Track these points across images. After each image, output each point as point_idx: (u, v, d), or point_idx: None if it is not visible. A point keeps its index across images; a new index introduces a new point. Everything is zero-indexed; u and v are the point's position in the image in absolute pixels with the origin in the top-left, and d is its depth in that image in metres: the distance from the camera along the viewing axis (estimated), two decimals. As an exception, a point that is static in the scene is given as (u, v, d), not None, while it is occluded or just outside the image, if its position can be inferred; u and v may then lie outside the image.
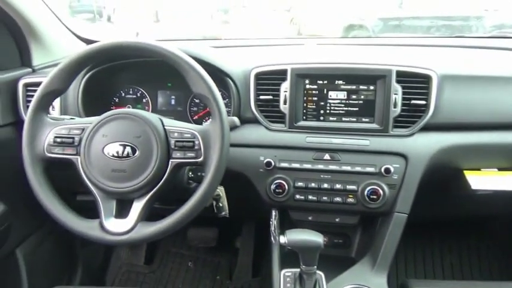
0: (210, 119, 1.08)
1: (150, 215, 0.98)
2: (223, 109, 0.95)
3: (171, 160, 0.95)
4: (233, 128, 1.05)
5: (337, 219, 1.24)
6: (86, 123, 0.98)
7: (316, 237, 1.00)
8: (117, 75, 1.37)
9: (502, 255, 1.81)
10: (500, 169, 1.23)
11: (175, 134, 0.96)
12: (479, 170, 1.23)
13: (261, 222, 1.85)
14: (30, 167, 0.96)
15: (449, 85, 1.17)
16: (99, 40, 1.66)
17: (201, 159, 0.95)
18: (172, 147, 0.95)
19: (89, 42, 1.64)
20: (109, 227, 0.94)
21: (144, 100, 1.40)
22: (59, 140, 0.97)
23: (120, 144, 0.94)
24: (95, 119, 0.97)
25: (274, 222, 1.24)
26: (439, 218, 1.61)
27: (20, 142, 1.29)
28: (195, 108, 1.38)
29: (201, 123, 1.37)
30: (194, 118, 1.39)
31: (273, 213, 1.25)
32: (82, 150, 0.95)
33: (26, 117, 0.98)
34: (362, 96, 1.19)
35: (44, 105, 0.99)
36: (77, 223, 0.94)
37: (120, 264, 1.92)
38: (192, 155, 0.95)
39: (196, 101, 1.38)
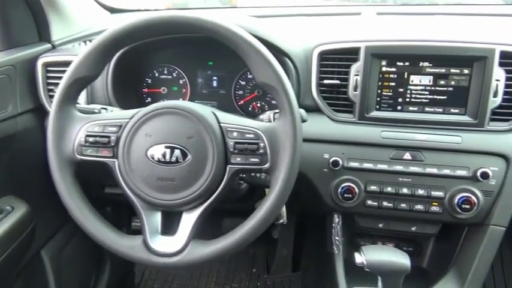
0: (270, 113, 0.89)
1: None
2: (296, 104, 0.75)
3: (229, 166, 0.77)
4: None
5: (413, 228, 1.05)
6: (123, 119, 0.79)
7: (403, 259, 0.83)
8: (151, 52, 1.17)
9: None
10: None
11: (235, 134, 0.77)
12: None
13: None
14: (58, 172, 0.78)
15: None
16: (125, 9, 1.46)
17: (266, 165, 0.76)
18: (231, 150, 0.77)
19: (113, 11, 1.43)
20: (155, 247, 0.77)
21: (181, 81, 1.20)
22: (91, 139, 0.78)
23: (168, 147, 0.76)
24: (134, 114, 0.78)
25: (337, 229, 1.06)
26: None
27: (41, 133, 1.13)
28: (240, 92, 1.18)
29: (247, 110, 1.20)
30: (239, 103, 1.19)
31: (336, 218, 1.07)
32: (121, 153, 0.77)
33: (51, 110, 0.79)
34: (452, 82, 0.97)
35: (72, 95, 0.80)
36: (116, 241, 0.78)
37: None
38: (256, 160, 0.76)
39: (242, 83, 1.17)
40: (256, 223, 0.76)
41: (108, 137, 0.78)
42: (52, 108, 0.79)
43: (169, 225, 0.81)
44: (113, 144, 0.78)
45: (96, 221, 0.78)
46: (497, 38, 0.95)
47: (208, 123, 0.76)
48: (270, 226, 1.82)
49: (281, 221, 1.01)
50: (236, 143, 0.76)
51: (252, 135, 0.76)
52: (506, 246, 1.70)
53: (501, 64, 0.93)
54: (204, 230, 0.84)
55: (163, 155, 0.76)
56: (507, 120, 0.96)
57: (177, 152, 0.75)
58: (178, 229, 0.78)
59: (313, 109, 1.04)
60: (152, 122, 0.77)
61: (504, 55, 0.92)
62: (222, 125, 0.78)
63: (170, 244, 0.77)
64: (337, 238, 1.06)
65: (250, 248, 1.85)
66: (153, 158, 0.76)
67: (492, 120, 0.96)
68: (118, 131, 0.78)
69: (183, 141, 0.75)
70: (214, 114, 0.79)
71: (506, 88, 0.94)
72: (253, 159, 0.76)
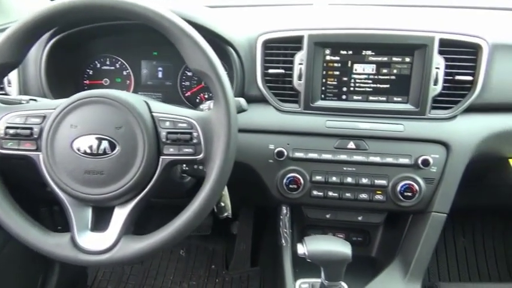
0: (210, 102, 0.87)
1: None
2: (230, 91, 0.73)
3: (161, 157, 0.74)
4: (239, 112, 0.83)
5: (359, 218, 1.05)
6: (47, 109, 0.74)
7: (343, 248, 0.82)
8: (91, 41, 1.11)
9: None
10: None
11: (167, 123, 0.74)
12: (525, 158, 1.05)
13: (260, 205, 1.67)
14: None
15: (502, 56, 0.96)
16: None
17: (201, 156, 0.73)
18: (164, 140, 0.73)
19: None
20: (83, 244, 0.73)
21: (124, 73, 1.15)
22: (12, 131, 0.73)
23: (95, 138, 0.72)
24: (59, 104, 0.74)
25: (285, 220, 1.05)
26: (462, 207, 1.45)
27: None
28: (187, 83, 1.14)
29: (194, 102, 1.16)
30: (186, 95, 1.15)
31: (284, 210, 1.06)
32: (44, 145, 0.72)
33: None
34: (395, 71, 0.97)
35: None
36: (41, 240, 0.73)
37: (103, 255, 1.72)
38: (190, 150, 0.73)
39: (189, 73, 1.14)
40: (191, 216, 0.72)
41: (31, 128, 0.73)
42: None
43: (102, 222, 0.77)
44: (36, 136, 0.73)
45: (18, 218, 0.73)
46: (437, 26, 0.95)
47: (138, 113, 0.72)
48: (228, 222, 1.81)
49: (225, 214, 0.99)
50: (168, 132, 0.73)
51: (185, 125, 0.74)
52: (460, 233, 1.75)
53: (440, 52, 0.93)
54: (156, 228, 0.80)
55: (90, 147, 0.71)
56: (448, 108, 0.97)
57: (104, 143, 0.71)
58: (110, 225, 0.75)
59: (259, 99, 1.02)
60: (78, 112, 0.73)
61: (443, 43, 0.93)
62: (154, 114, 0.74)
63: (100, 241, 0.73)
64: (285, 230, 1.05)
65: (210, 245, 1.82)
66: (79, 150, 0.72)
67: (433, 108, 0.97)
68: (41, 122, 0.74)
69: (111, 132, 0.72)
70: (146, 103, 0.75)
71: (445, 76, 0.94)
72: (187, 150, 0.73)
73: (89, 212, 0.76)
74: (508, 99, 0.97)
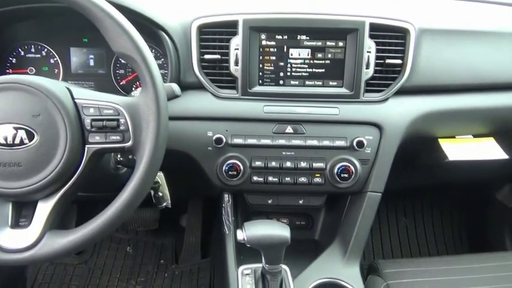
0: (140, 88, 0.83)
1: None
2: (157, 74, 0.70)
3: (87, 146, 0.70)
4: (172, 98, 0.80)
5: (300, 201, 1.07)
6: None
7: (282, 231, 0.82)
8: (11, 26, 1.03)
9: (466, 221, 1.78)
10: (475, 136, 1.12)
11: (91, 110, 0.70)
12: (453, 137, 1.11)
13: (208, 196, 1.65)
14: None
15: (428, 41, 1.00)
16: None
17: (129, 143, 0.70)
18: (88, 128, 0.70)
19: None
20: (2, 242, 0.69)
21: (51, 61, 1.08)
22: None
23: (10, 127, 0.66)
24: None
25: (227, 208, 1.04)
26: (401, 188, 1.51)
27: None
28: (121, 71, 1.09)
29: (129, 90, 1.12)
30: (121, 83, 1.10)
31: (226, 197, 1.05)
32: None
33: None
34: (329, 55, 0.98)
35: None
36: None
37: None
38: (117, 138, 0.70)
39: (123, 61, 1.09)
40: (120, 207, 0.70)
41: None
42: None
43: (24, 218, 0.72)
44: None
45: None
46: (368, 11, 0.97)
47: (59, 99, 0.68)
48: (177, 214, 1.78)
49: (164, 204, 0.96)
50: (93, 120, 0.70)
51: (111, 111, 0.70)
52: (402, 213, 1.84)
53: (371, 36, 0.96)
54: None
55: (5, 138, 0.67)
56: (380, 91, 1.00)
57: (21, 133, 0.67)
58: (33, 220, 0.70)
59: (196, 86, 0.99)
60: None
61: (373, 27, 0.95)
62: (76, 101, 0.70)
63: (22, 238, 0.69)
64: (227, 218, 1.04)
65: (158, 239, 1.77)
66: None
67: (367, 91, 0.99)
68: None
69: (28, 121, 0.67)
70: (69, 90, 0.71)
71: (377, 60, 0.97)
72: (114, 137, 0.70)
73: (8, 208, 0.71)
74: (434, 82, 1.02)
